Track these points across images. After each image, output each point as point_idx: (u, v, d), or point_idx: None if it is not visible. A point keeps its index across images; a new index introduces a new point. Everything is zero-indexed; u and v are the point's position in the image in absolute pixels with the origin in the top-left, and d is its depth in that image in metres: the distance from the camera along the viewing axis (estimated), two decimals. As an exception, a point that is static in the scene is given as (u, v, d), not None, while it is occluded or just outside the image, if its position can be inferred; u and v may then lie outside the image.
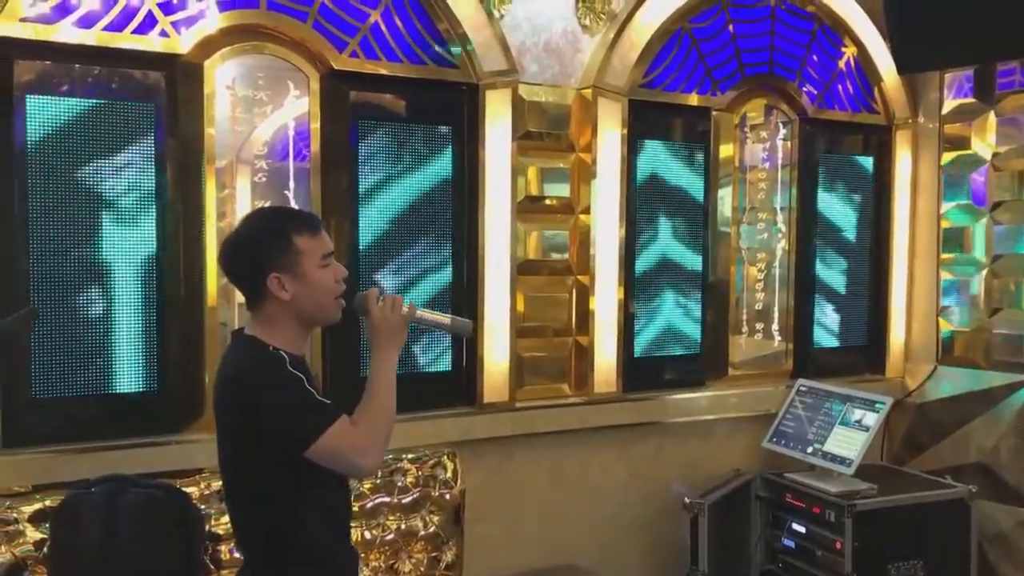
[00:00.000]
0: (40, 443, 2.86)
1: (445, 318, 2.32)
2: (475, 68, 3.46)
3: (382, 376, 2.15)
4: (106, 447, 2.90)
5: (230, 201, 3.14)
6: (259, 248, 2.10)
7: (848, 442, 3.79)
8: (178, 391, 3.02)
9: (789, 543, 3.91)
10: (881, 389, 4.30)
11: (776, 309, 4.34)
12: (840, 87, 4.40)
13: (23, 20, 2.77)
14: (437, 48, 3.42)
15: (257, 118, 3.18)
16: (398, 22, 3.33)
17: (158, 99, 3.00)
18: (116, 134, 2.93)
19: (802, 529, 3.84)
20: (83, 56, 2.88)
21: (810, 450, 3.88)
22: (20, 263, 2.83)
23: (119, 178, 2.95)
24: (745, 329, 4.29)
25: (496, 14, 3.52)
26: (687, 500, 3.69)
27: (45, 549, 2.71)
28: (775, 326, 4.34)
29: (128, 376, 2.99)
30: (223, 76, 3.10)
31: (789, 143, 4.31)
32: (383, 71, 3.33)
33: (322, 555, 2.17)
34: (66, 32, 2.83)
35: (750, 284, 4.30)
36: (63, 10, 2.82)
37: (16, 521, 2.77)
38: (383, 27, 3.31)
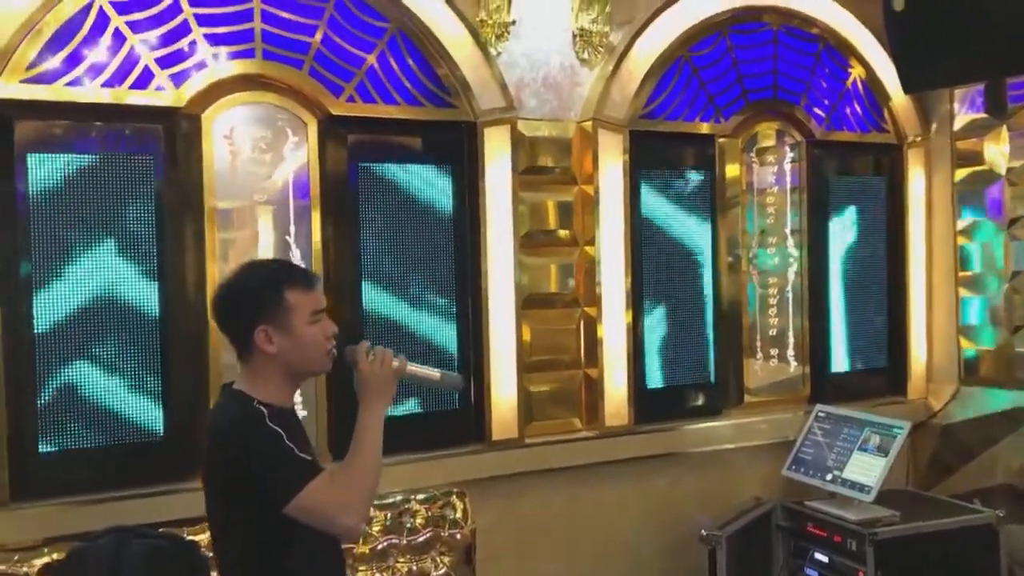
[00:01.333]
0: (48, 496, 2.88)
1: (435, 373, 2.30)
2: (473, 106, 3.48)
3: (368, 431, 2.12)
4: (113, 498, 2.92)
5: (231, 248, 3.16)
6: (249, 300, 2.10)
7: (867, 468, 3.72)
8: (183, 439, 3.03)
9: (812, 573, 3.83)
10: (904, 411, 4.24)
11: (791, 333, 4.28)
12: (848, 108, 4.37)
13: (23, 81, 2.83)
14: (434, 89, 3.44)
15: (256, 166, 3.21)
16: (394, 65, 3.36)
17: (157, 151, 3.04)
18: (116, 187, 2.98)
19: (825, 559, 3.77)
20: (82, 112, 2.94)
21: (829, 477, 3.82)
22: (24, 317, 2.87)
23: (120, 231, 2.99)
24: (760, 355, 4.23)
25: (493, 52, 3.54)
26: (704, 532, 3.63)
27: (53, 603, 2.73)
28: (790, 351, 4.28)
29: (133, 427, 3.02)
30: (221, 126, 3.14)
31: (797, 166, 4.28)
32: (380, 114, 3.36)
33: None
34: (65, 91, 2.89)
35: (763, 309, 4.25)
36: (62, 69, 2.88)
37: (26, 575, 2.79)
38: (379, 70, 3.34)
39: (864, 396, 4.34)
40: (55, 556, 2.77)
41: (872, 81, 4.38)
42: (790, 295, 4.28)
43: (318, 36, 3.23)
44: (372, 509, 3.26)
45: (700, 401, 4.05)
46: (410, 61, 3.40)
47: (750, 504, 3.94)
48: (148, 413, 3.05)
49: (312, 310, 2.12)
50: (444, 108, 3.46)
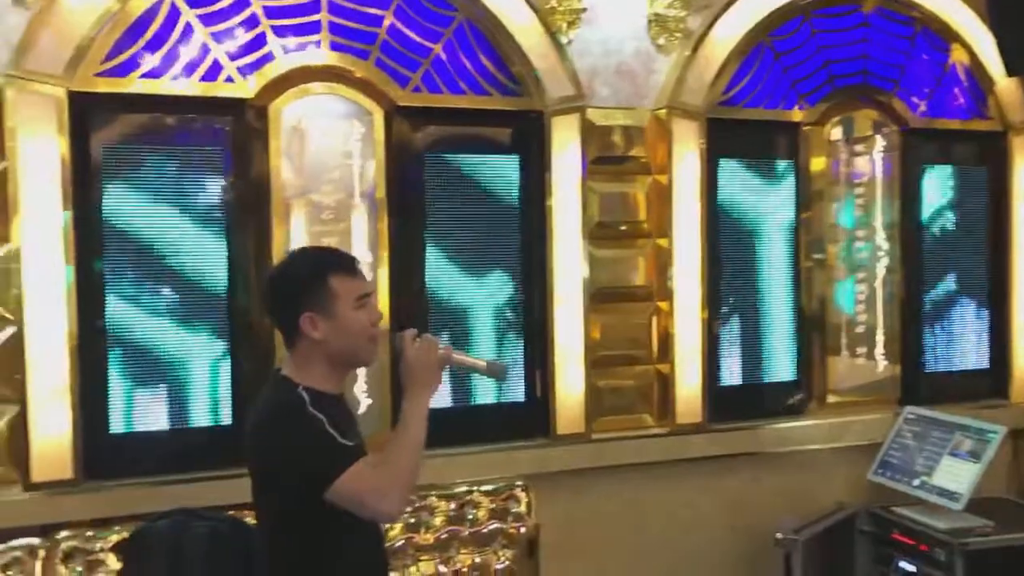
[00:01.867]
0: (118, 476, 2.99)
1: (481, 361, 2.27)
2: (541, 95, 3.43)
3: (412, 420, 2.11)
4: (180, 480, 3.00)
5: (298, 238, 3.20)
6: (295, 287, 2.12)
7: (958, 474, 3.52)
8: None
9: (898, 582, 3.65)
10: (1006, 415, 3.99)
11: (880, 331, 4.08)
12: (947, 93, 4.13)
13: (98, 74, 2.94)
14: (501, 78, 3.41)
15: (322, 156, 3.24)
16: (461, 54, 3.35)
17: (226, 142, 3.11)
18: (187, 178, 3.07)
19: (912, 568, 3.58)
20: (154, 105, 3.03)
21: (916, 483, 3.63)
22: (98, 305, 2.98)
23: (191, 221, 3.07)
24: (846, 353, 4.05)
25: (563, 39, 3.48)
26: (779, 536, 3.50)
27: (120, 579, 2.82)
28: (880, 349, 4.07)
29: (201, 412, 3.10)
30: (289, 117, 3.18)
31: (890, 155, 4.06)
32: (447, 104, 3.35)
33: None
34: (138, 83, 2.98)
35: (850, 305, 4.05)
36: (134, 63, 2.97)
37: (99, 551, 2.90)
38: (445, 60, 3.33)
39: (961, 398, 4.10)
40: (125, 535, 2.86)
41: (975, 65, 4.13)
42: (880, 291, 4.07)
43: (384, 26, 3.24)
44: (436, 499, 3.27)
45: (780, 400, 3.90)
46: (477, 50, 3.37)
47: (832, 508, 3.78)
48: (215, 400, 3.12)
49: (356, 296, 2.13)
50: (511, 97, 3.43)
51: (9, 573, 2.79)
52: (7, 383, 2.88)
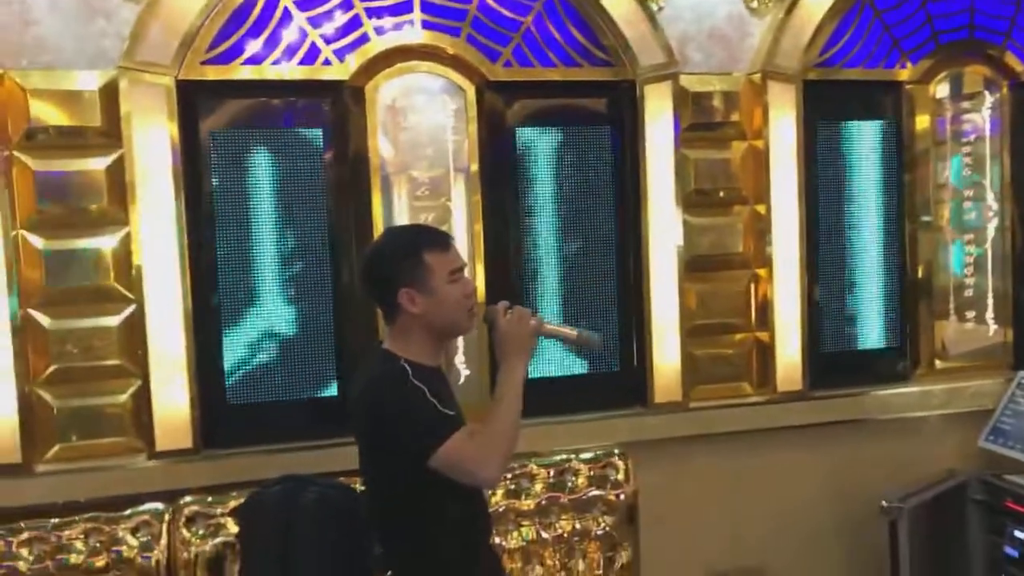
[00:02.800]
0: (234, 444, 3.15)
1: (572, 331, 2.32)
2: (632, 65, 3.42)
3: (508, 389, 2.18)
4: (291, 448, 3.14)
5: (397, 216, 3.29)
6: (391, 265, 2.21)
7: (1074, 441, 3.39)
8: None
9: (1012, 552, 3.54)
10: None
11: (991, 295, 3.94)
12: (1063, 44, 3.94)
13: (203, 63, 3.07)
14: (591, 48, 3.41)
15: (417, 134, 3.31)
16: (550, 26, 3.36)
17: (325, 123, 3.21)
18: (289, 159, 3.18)
19: (1025, 537, 3.48)
20: (256, 89, 3.15)
21: (1031, 450, 3.51)
22: (211, 285, 3.13)
23: (294, 200, 3.19)
24: (955, 317, 3.93)
25: (654, 6, 3.45)
26: (884, 504, 3.44)
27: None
28: (990, 313, 3.94)
29: (309, 384, 3.23)
30: (384, 97, 3.26)
31: (1000, 111, 3.90)
32: (538, 77, 3.37)
33: (460, 562, 2.23)
34: (240, 70, 3.10)
35: (959, 268, 3.93)
36: (236, 51, 3.09)
37: (219, 515, 3.07)
38: (535, 33, 3.35)
39: (1078, 364, 3.94)
40: (242, 499, 3.01)
41: (1093, 12, 3.93)
42: (990, 253, 3.93)
43: (475, 2, 3.27)
44: (535, 467, 3.34)
45: (884, 366, 3.82)
46: (567, 21, 3.38)
47: (941, 476, 3.69)
48: (323, 372, 3.25)
49: (450, 269, 2.20)
50: (602, 68, 3.42)
51: (138, 535, 2.98)
52: (130, 358, 3.07)
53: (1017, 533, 3.52)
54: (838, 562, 3.75)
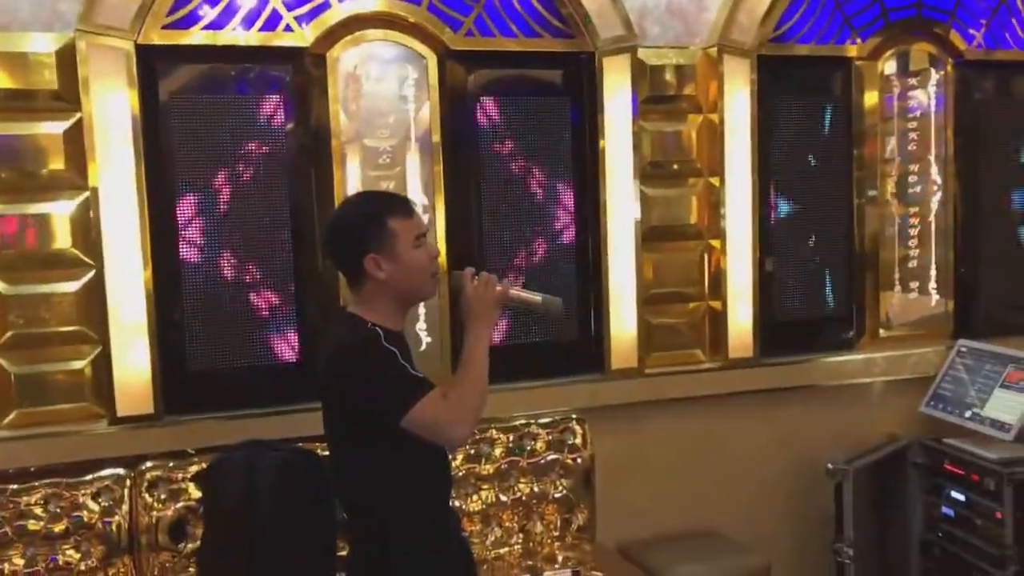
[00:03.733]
0: (196, 411, 3.15)
1: (536, 297, 2.37)
2: (592, 36, 3.46)
3: (475, 352, 2.24)
4: (253, 415, 3.16)
5: (356, 184, 3.30)
6: (356, 231, 2.23)
7: (1009, 406, 3.54)
8: (315, 363, 3.22)
9: (948, 512, 3.71)
10: (1059, 349, 3.97)
11: (934, 265, 4.08)
12: (1004, 24, 4.06)
13: (164, 27, 3.04)
14: (552, 19, 3.45)
15: (377, 102, 3.32)
16: (512, -3, 3.39)
17: (286, 91, 3.21)
18: (250, 126, 3.17)
19: (961, 498, 3.64)
20: (216, 56, 3.13)
21: (968, 414, 3.66)
22: (170, 250, 3.12)
23: (255, 167, 3.18)
24: (899, 288, 4.06)
25: (614, -21, 3.50)
26: (830, 466, 3.57)
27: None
28: (932, 284, 4.08)
29: (271, 350, 3.25)
30: (345, 65, 3.27)
31: (944, 88, 4.02)
32: (498, 47, 3.40)
33: (424, 524, 2.28)
34: (200, 36, 3.08)
35: (903, 240, 4.06)
36: (196, 16, 3.07)
37: (181, 480, 3.08)
38: (497, 3, 3.37)
39: (1015, 331, 4.08)
40: (203, 465, 3.03)
41: (1034, -7, 4.06)
42: (933, 226, 4.07)
43: (436, -29, 3.29)
44: (496, 432, 3.40)
45: (832, 334, 3.95)
46: (528, -9, 3.41)
47: (883, 440, 3.84)
48: (284, 339, 3.27)
49: (414, 235, 2.23)
50: (562, 39, 3.46)
51: (99, 500, 2.98)
52: (90, 323, 3.06)
53: (954, 494, 3.68)
54: (786, 522, 3.88)
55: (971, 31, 3.99)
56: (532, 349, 3.53)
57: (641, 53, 3.56)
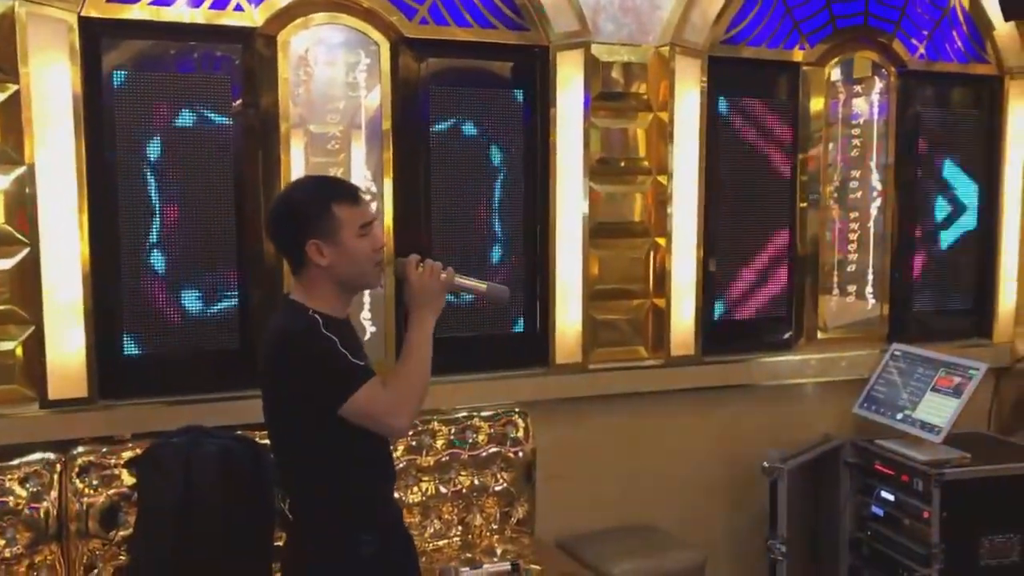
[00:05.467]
0: (132, 395, 3.08)
1: (482, 284, 2.36)
2: (546, 30, 3.46)
3: (418, 341, 2.22)
4: (191, 400, 3.09)
5: (304, 168, 3.25)
6: (300, 216, 2.19)
7: (939, 409, 3.64)
8: (256, 350, 3.16)
9: (878, 511, 3.80)
10: (988, 355, 4.11)
11: (871, 270, 4.18)
12: (946, 37, 4.16)
13: (108, 1, 2.95)
14: (507, 12, 3.43)
15: (328, 87, 3.28)
16: (468, -13, 3.37)
17: (235, 71, 3.14)
18: (196, 105, 3.09)
19: (891, 497, 3.73)
20: (164, 32, 3.05)
21: (900, 416, 3.76)
22: (111, 228, 3.03)
23: (201, 148, 3.11)
24: (837, 291, 4.15)
25: (570, -26, 3.50)
26: (766, 464, 3.63)
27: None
28: (869, 288, 4.18)
29: (211, 336, 3.18)
30: (297, 47, 3.21)
31: (887, 96, 4.12)
32: (452, 37, 3.37)
33: (364, 513, 2.26)
34: (146, 11, 2.99)
35: (842, 245, 4.14)
36: (144, -11, 2.99)
37: (113, 466, 3.00)
38: (453, -8, 3.35)
39: (947, 337, 4.22)
40: (138, 451, 2.95)
41: (974, 8, 4.16)
42: (872, 231, 4.16)
43: (392, -43, 3.25)
44: (437, 424, 3.39)
45: (771, 335, 4.01)
46: (484, -18, 3.39)
47: (818, 440, 3.92)
48: (225, 324, 3.20)
49: (360, 223, 2.20)
50: (517, 31, 3.45)
51: (28, 485, 2.89)
52: (23, 303, 2.95)
53: (884, 493, 3.77)
54: (723, 518, 3.95)
55: (914, 42, 4.09)
56: (476, 342, 3.52)
57: (594, 49, 3.57)
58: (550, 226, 3.53)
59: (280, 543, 2.44)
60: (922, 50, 4.11)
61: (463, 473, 3.40)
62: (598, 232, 3.66)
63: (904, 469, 3.65)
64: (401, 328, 3.29)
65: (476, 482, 3.42)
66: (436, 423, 3.39)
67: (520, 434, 3.48)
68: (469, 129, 3.45)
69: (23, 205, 2.91)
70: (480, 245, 3.50)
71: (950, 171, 4.25)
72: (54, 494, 2.92)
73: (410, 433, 3.30)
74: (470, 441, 3.42)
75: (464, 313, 3.46)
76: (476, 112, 3.46)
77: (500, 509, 3.45)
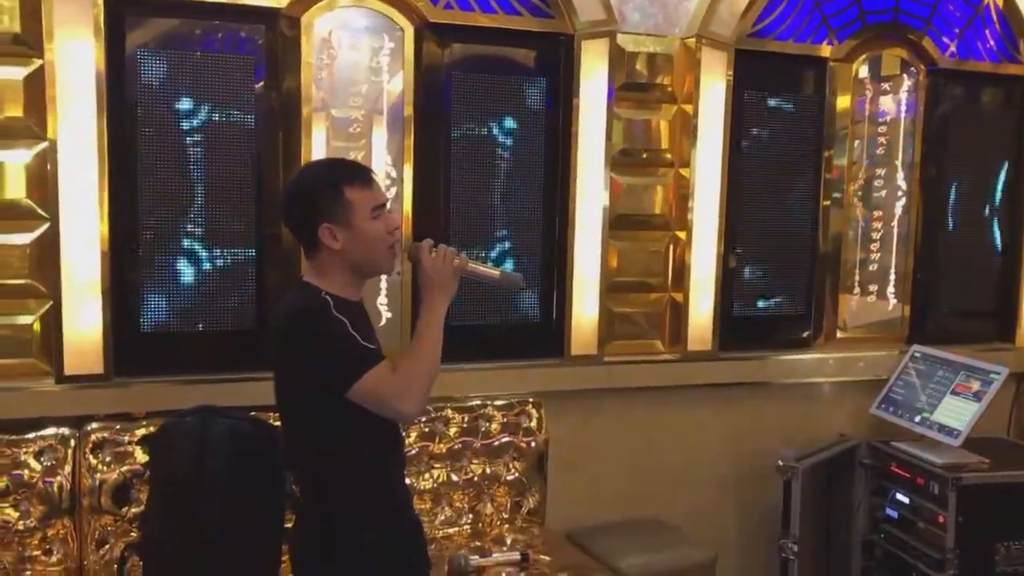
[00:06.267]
0: (147, 373, 3.09)
1: (495, 271, 2.34)
2: (571, 18, 3.43)
3: (429, 326, 2.20)
4: (206, 380, 3.10)
5: (326, 151, 3.24)
6: (312, 199, 2.17)
7: (958, 413, 3.59)
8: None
9: (892, 513, 3.76)
10: (1011, 359, 4.05)
11: (893, 270, 4.13)
12: (978, 36, 4.10)
13: (134, -23, 2.96)
14: (532, -2, 3.41)
15: (351, 71, 3.26)
16: (493, -27, 3.35)
17: (258, 52, 3.13)
18: (219, 86, 3.09)
19: (906, 500, 3.69)
20: (188, 10, 3.05)
21: (918, 419, 3.71)
22: (130, 207, 3.04)
23: (222, 128, 3.11)
24: (858, 290, 4.10)
25: (597, -37, 3.47)
26: (780, 463, 3.60)
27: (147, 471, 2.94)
28: (891, 288, 4.13)
29: (227, 315, 3.18)
30: (321, 29, 3.20)
31: (915, 95, 4.06)
32: (477, 23, 3.35)
33: (373, 497, 2.25)
34: (172, -12, 3.00)
35: (865, 244, 4.10)
36: (170, -33, 2.99)
37: (127, 443, 3.02)
38: (478, -22, 3.33)
39: (968, 340, 4.15)
40: (151, 429, 2.97)
41: (1008, 7, 4.10)
42: (896, 230, 4.11)
43: (418, -59, 3.23)
44: (451, 411, 3.38)
45: (790, 333, 3.97)
46: (509, -32, 3.37)
47: (834, 440, 3.88)
48: (243, 304, 3.20)
49: (372, 206, 2.18)
50: (542, 19, 3.42)
51: (42, 459, 2.91)
52: (41, 278, 2.97)
53: (899, 496, 3.73)
54: (734, 516, 3.92)
55: (945, 40, 4.03)
56: (491, 330, 3.51)
57: (619, 39, 3.54)
58: (569, 216, 3.51)
59: (290, 524, 2.44)
60: (953, 48, 4.05)
61: (475, 461, 3.40)
62: (618, 224, 3.63)
63: (920, 472, 3.61)
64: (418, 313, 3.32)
65: (488, 471, 3.41)
66: (450, 410, 3.38)
67: (533, 424, 3.47)
68: (491, 116, 3.43)
69: (44, 180, 2.92)
70: (499, 233, 3.48)
71: (977, 171, 4.19)
72: (68, 469, 2.94)
73: (423, 420, 3.30)
74: (483, 430, 3.41)
75: (480, 301, 3.45)
76: (498, 100, 3.43)
77: (511, 499, 3.44)
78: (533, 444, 3.46)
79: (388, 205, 2.26)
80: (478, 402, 3.44)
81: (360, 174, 2.21)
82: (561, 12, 3.43)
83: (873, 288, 4.12)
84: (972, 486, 3.47)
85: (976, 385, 3.62)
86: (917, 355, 3.93)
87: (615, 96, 3.54)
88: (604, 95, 3.50)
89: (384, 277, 3.27)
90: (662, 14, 3.66)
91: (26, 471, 2.89)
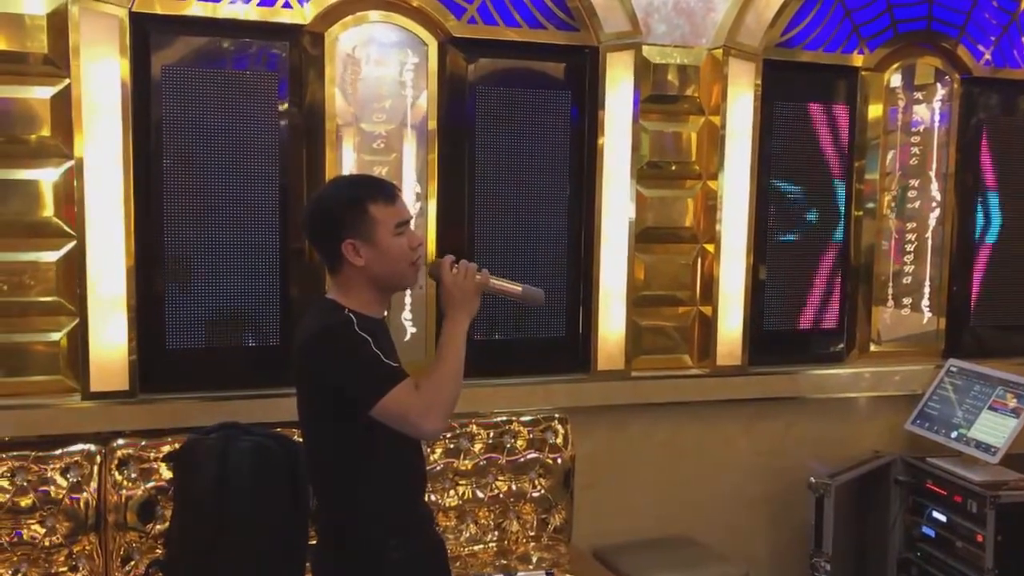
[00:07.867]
0: (172, 390, 3.10)
1: (517, 287, 2.31)
2: (596, 31, 3.40)
3: (452, 342, 2.17)
4: (230, 397, 3.10)
5: (350, 167, 3.24)
6: (336, 215, 2.16)
7: (996, 429, 3.51)
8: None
9: (929, 532, 3.68)
10: (1050, 374, 3.94)
11: (928, 283, 4.04)
12: (1014, 43, 4.01)
13: (158, -3, 2.98)
14: (557, 11, 3.39)
15: (376, 86, 3.26)
16: (516, -14, 3.33)
17: (282, 68, 3.14)
18: (243, 102, 3.10)
19: (943, 518, 3.61)
20: (212, 28, 3.06)
21: (955, 435, 3.63)
22: (155, 225, 3.05)
23: (246, 144, 3.11)
24: (891, 303, 4.02)
25: (622, -25, 3.45)
26: (812, 480, 3.53)
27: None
28: (926, 301, 4.05)
29: (251, 332, 3.19)
30: (345, 45, 3.20)
31: (949, 104, 3.98)
32: (501, 36, 3.34)
33: (394, 514, 2.23)
34: (196, 7, 3.01)
35: (899, 256, 4.02)
36: (194, -14, 3.00)
37: (152, 460, 3.02)
38: (501, -9, 3.32)
39: (1006, 354, 4.05)
40: (176, 445, 2.96)
41: (1044, 13, 4.02)
42: (929, 243, 4.03)
43: (441, -44, 3.22)
44: (476, 427, 3.35)
45: (821, 347, 3.91)
46: (533, -18, 3.35)
47: (868, 456, 3.81)
48: (267, 320, 3.21)
49: (396, 222, 2.16)
50: (566, 31, 3.40)
51: (68, 476, 2.92)
52: (68, 295, 2.99)
53: (935, 514, 3.65)
54: (764, 534, 3.85)
55: (980, 47, 3.95)
56: (517, 345, 3.48)
57: (645, 51, 3.51)
58: (595, 230, 3.48)
59: (312, 541, 2.42)
60: (988, 56, 3.97)
61: (501, 478, 3.37)
62: (645, 237, 3.59)
63: (957, 489, 3.52)
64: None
65: (514, 487, 3.38)
66: (475, 426, 3.36)
67: (559, 440, 3.43)
68: (516, 130, 3.41)
69: (71, 199, 2.94)
70: (524, 247, 3.46)
71: (1013, 182, 4.09)
72: (94, 485, 2.95)
73: (447, 435, 3.28)
74: (508, 446, 3.38)
75: (506, 316, 3.42)
76: (523, 113, 3.42)
77: (537, 516, 3.41)
78: (559, 460, 3.42)
79: (412, 221, 2.23)
80: (504, 418, 3.41)
81: (384, 191, 2.19)
82: (586, 24, 3.40)
83: (907, 301, 4.04)
84: (1011, 504, 3.38)
85: (1014, 401, 3.53)
86: (953, 369, 3.84)
87: (641, 108, 3.50)
88: (630, 107, 3.47)
89: (409, 293, 3.25)
90: (688, 25, 3.62)
91: (52, 487, 2.91)
